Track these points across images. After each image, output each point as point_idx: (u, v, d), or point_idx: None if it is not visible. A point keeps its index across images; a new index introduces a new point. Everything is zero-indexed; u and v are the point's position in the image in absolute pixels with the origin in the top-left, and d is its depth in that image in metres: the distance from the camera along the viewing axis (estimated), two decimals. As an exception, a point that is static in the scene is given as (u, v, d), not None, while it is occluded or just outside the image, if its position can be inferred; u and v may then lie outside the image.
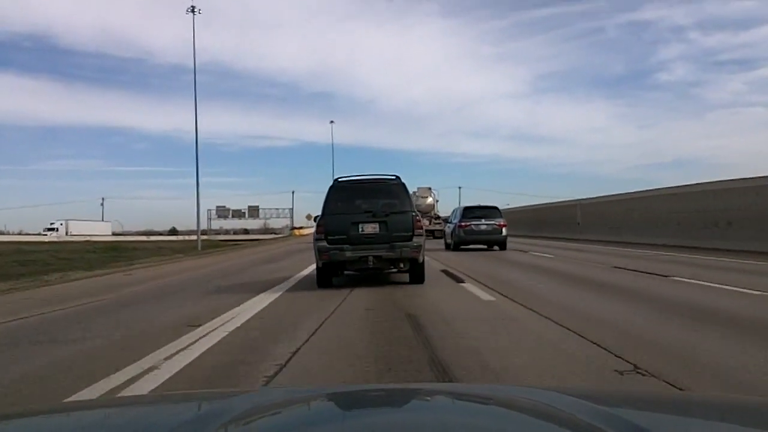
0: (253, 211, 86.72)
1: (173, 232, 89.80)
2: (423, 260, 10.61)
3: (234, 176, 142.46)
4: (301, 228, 70.72)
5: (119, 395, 3.74)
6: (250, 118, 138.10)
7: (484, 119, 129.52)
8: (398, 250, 10.23)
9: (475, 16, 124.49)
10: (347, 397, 1.66)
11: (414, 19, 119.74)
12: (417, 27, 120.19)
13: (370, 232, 10.32)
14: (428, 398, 1.68)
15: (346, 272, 10.93)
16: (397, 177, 10.99)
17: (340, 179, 11.07)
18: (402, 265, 10.51)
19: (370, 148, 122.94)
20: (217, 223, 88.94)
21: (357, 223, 10.33)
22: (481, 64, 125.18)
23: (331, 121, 70.87)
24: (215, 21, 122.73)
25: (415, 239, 10.31)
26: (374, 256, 10.24)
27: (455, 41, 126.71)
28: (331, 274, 10.60)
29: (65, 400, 3.62)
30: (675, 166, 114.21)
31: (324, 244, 10.32)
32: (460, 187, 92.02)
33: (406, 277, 10.83)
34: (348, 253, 10.22)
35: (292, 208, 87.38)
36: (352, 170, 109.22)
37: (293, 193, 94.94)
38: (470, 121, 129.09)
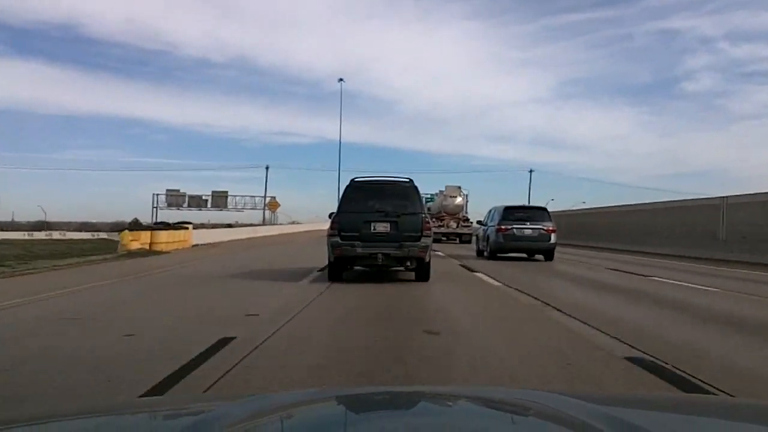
0: (219, 199, 66.40)
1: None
2: (429, 260, 11.26)
3: (251, 170, 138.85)
4: (168, 227, 27.53)
5: (118, 400, 3.56)
6: (273, 115, 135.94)
7: (506, 123, 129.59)
8: (406, 249, 10.87)
9: (502, 19, 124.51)
10: (352, 401, 1.66)
11: (439, 21, 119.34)
12: (442, 28, 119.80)
13: (381, 230, 10.94)
14: (434, 401, 1.69)
15: (356, 267, 11.52)
16: (410, 179, 11.64)
17: (356, 179, 11.65)
18: (409, 264, 11.16)
19: (390, 148, 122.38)
20: (168, 215, 63.85)
21: (369, 222, 10.94)
22: (506, 68, 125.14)
23: (340, 79, 58.40)
24: (241, 15, 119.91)
25: (423, 240, 10.97)
26: (383, 254, 10.86)
27: (481, 44, 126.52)
28: (342, 269, 11.18)
29: (63, 407, 3.21)
30: (695, 177, 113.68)
31: (337, 239, 10.90)
32: (531, 171, 71.79)
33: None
34: (359, 250, 10.83)
35: (266, 197, 65.58)
36: (370, 170, 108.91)
37: (267, 168, 67.22)
38: (492, 125, 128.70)
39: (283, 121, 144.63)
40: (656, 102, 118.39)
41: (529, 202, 63.16)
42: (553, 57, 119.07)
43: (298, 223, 65.03)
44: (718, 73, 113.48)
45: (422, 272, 11.21)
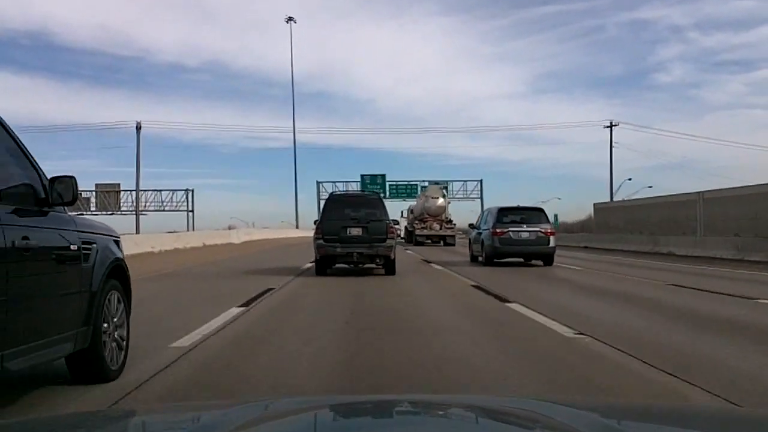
0: (109, 196, 47.55)
1: None
2: (394, 257, 14.17)
3: (229, 178, 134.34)
4: None
5: (118, 406, 3.72)
6: (247, 118, 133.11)
7: (482, 120, 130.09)
8: (375, 249, 13.73)
9: (475, 14, 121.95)
10: (344, 409, 1.72)
11: (414, 18, 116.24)
12: (416, 26, 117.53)
13: (355, 234, 13.78)
14: (427, 410, 1.73)
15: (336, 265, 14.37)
16: (377, 193, 14.61)
17: (334, 193, 14.56)
18: (378, 261, 14.02)
19: (365, 148, 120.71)
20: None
21: (346, 227, 13.77)
22: (481, 64, 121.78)
23: (290, 18, 50.08)
24: (213, 19, 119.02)
25: (388, 241, 13.86)
26: (358, 253, 13.69)
27: (455, 40, 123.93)
28: (326, 266, 13.96)
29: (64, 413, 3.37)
30: (672, 168, 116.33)
31: (321, 242, 13.72)
32: (612, 123, 51.21)
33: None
34: (338, 250, 13.65)
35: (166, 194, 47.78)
36: (346, 171, 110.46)
37: (138, 128, 46.95)
38: (468, 122, 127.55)
39: (258, 125, 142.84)
40: (630, 94, 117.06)
41: (611, 175, 51.46)
42: (527, 51, 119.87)
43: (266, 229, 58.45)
44: (690, 63, 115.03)
45: (389, 267, 14.05)
